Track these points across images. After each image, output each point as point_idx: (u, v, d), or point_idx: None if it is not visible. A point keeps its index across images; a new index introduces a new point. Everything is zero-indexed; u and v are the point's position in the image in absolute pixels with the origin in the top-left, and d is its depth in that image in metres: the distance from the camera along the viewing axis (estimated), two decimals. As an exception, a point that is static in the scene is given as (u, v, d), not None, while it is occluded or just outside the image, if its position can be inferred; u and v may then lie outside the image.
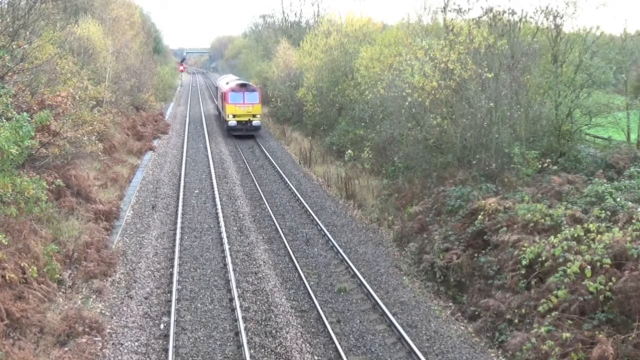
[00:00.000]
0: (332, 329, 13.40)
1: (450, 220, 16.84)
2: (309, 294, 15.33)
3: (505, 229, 14.66)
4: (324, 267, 17.35)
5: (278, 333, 13.31)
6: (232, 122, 40.16)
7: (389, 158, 24.79)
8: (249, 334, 13.16)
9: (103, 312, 13.89)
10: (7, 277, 12.32)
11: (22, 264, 13.04)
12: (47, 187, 14.67)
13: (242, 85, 41.11)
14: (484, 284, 14.29)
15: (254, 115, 40.32)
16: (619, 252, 11.69)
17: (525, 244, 13.41)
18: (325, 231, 20.14)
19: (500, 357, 12.34)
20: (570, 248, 12.39)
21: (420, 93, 20.10)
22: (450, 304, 14.94)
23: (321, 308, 14.43)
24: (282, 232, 20.23)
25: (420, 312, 14.55)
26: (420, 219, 18.31)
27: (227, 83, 46.26)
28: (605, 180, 15.59)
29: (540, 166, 18.18)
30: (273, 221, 21.45)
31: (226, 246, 18.35)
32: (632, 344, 10.49)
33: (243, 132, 40.38)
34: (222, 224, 20.60)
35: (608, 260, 11.45)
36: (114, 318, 13.64)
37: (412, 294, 15.56)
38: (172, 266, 16.67)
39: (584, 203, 14.57)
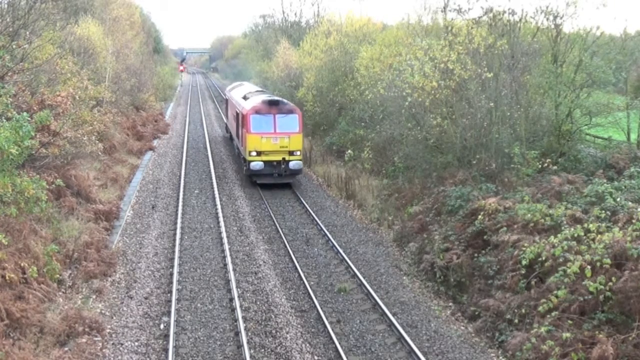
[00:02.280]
0: (332, 329, 13.40)
1: (450, 220, 16.83)
2: (309, 294, 15.33)
3: (505, 229, 14.65)
4: (324, 267, 17.35)
5: (278, 333, 13.31)
6: (257, 163, 24.82)
7: (389, 158, 24.79)
8: (249, 334, 13.16)
9: (103, 312, 13.89)
10: (7, 277, 12.31)
11: (22, 264, 13.03)
12: (47, 187, 14.64)
13: (272, 104, 25.90)
14: (484, 284, 14.29)
15: (291, 153, 25.25)
16: (619, 252, 11.67)
17: (525, 244, 13.40)
18: (325, 231, 20.14)
19: (500, 357, 12.34)
20: (570, 248, 12.37)
21: (420, 93, 20.10)
22: (450, 304, 14.94)
23: (321, 308, 14.42)
24: (282, 232, 20.23)
25: (420, 312, 14.55)
26: (420, 219, 18.31)
27: (244, 98, 29.74)
28: (605, 180, 15.56)
29: (540, 166, 18.17)
30: (273, 221, 21.45)
31: (226, 246, 18.35)
32: (632, 344, 10.48)
33: (274, 180, 25.31)
34: (222, 224, 20.60)
35: (608, 260, 11.44)
36: (114, 318, 13.64)
37: (412, 294, 15.57)
38: (172, 266, 16.67)
39: (584, 203, 14.56)
